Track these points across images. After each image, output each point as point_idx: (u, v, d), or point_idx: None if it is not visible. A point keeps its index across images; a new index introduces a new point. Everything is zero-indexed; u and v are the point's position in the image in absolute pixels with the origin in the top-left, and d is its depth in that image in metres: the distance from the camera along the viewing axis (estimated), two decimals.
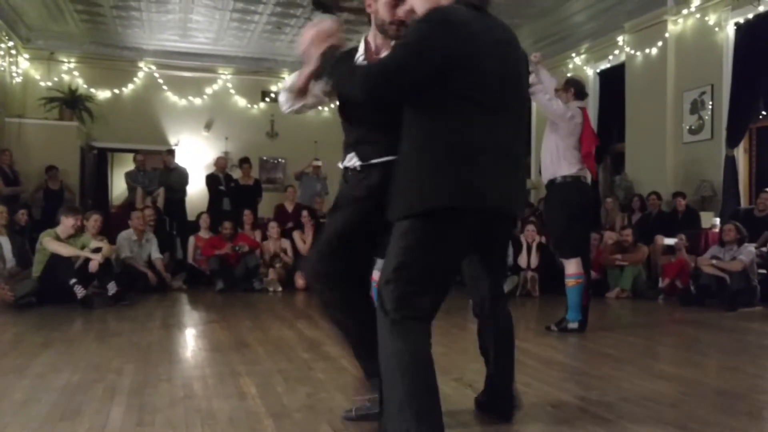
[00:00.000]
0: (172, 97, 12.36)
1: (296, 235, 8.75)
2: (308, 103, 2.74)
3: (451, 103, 2.16)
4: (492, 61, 2.19)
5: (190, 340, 4.87)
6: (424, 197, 2.14)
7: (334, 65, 2.38)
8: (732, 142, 8.22)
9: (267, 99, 12.77)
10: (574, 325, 5.07)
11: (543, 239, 8.59)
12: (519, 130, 2.38)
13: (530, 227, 8.17)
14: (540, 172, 5.32)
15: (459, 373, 3.67)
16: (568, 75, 5.74)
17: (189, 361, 4.05)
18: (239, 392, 3.20)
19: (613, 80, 10.23)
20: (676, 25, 9.08)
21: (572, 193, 5.03)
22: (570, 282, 5.07)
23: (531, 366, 3.90)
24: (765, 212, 7.48)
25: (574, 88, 5.29)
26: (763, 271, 6.94)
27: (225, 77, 12.62)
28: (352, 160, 2.58)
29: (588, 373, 3.80)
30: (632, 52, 9.66)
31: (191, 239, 9.00)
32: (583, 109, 5.24)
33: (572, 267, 5.06)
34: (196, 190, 10.67)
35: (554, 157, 5.03)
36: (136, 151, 10.88)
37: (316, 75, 2.52)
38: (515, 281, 7.69)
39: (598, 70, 10.67)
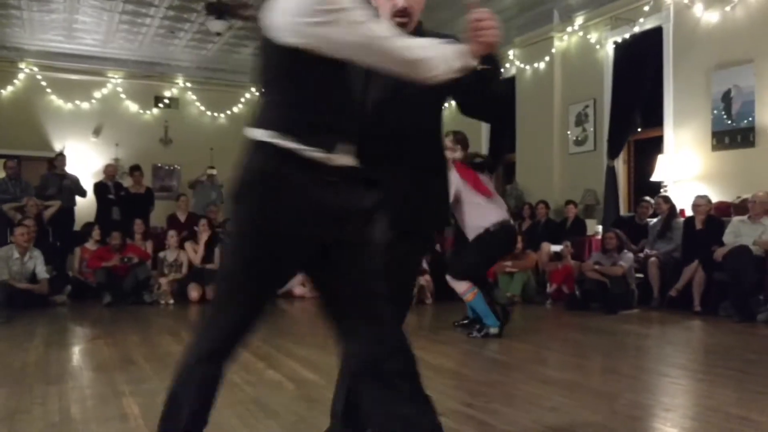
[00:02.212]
0: (56, 100, 11.73)
1: (188, 245, 8.49)
2: None
3: None
4: None
5: (71, 359, 4.62)
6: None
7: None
8: (612, 153, 8.72)
9: (160, 104, 12.36)
10: (495, 330, 5.24)
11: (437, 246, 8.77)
12: None
13: None
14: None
15: None
16: None
17: (68, 382, 3.83)
18: (121, 414, 3.06)
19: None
20: (562, 42, 9.53)
21: (504, 237, 5.24)
22: (469, 296, 5.23)
23: (423, 374, 3.96)
24: (644, 220, 7.96)
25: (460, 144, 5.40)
26: (641, 275, 7.38)
27: (115, 81, 12.11)
28: None
29: (476, 380, 3.91)
30: (522, 65, 10.06)
31: (77, 251, 8.57)
32: (455, 164, 5.27)
33: (463, 285, 5.22)
34: (83, 199, 10.15)
35: (477, 213, 5.15)
36: (11, 157, 10.12)
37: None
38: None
39: None
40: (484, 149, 10.51)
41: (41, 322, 6.32)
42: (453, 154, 5.21)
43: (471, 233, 5.20)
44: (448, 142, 5.34)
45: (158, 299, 7.84)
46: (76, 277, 8.35)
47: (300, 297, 8.41)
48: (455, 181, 5.04)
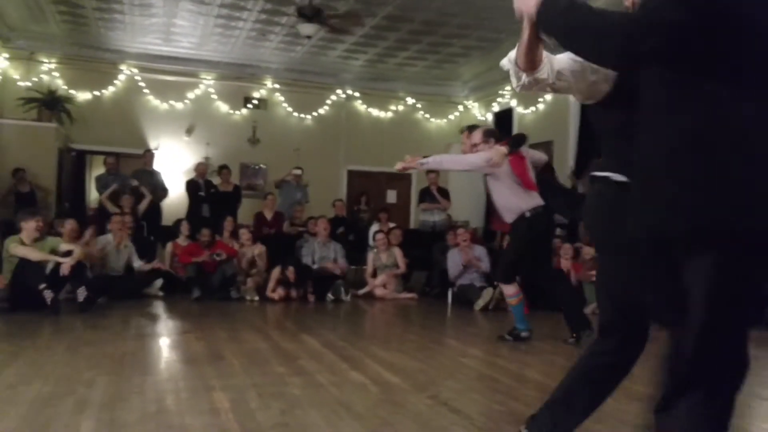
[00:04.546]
0: (153, 100, 12.25)
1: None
2: (549, 81, 2.15)
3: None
4: None
5: (165, 351, 4.82)
6: None
7: (561, 11, 1.84)
8: None
9: (249, 105, 12.70)
10: (526, 334, 5.50)
11: None
12: None
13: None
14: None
15: (435, 390, 3.68)
16: (485, 126, 5.85)
17: (162, 373, 4.01)
18: (212, 408, 3.17)
19: None
20: None
21: (539, 223, 5.30)
22: (513, 301, 5.52)
23: (505, 383, 3.92)
24: None
25: (493, 137, 5.39)
26: None
27: (207, 82, 12.54)
28: None
29: None
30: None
31: (169, 245, 8.92)
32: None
33: (512, 289, 5.48)
34: (175, 195, 10.57)
35: (512, 197, 5.25)
36: (110, 154, 10.69)
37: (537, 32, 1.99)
38: (490, 294, 7.66)
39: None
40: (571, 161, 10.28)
41: (135, 313, 6.61)
42: (487, 146, 5.26)
43: (508, 215, 5.29)
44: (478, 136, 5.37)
45: (244, 295, 8.07)
46: (168, 271, 8.69)
47: (381, 298, 8.47)
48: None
